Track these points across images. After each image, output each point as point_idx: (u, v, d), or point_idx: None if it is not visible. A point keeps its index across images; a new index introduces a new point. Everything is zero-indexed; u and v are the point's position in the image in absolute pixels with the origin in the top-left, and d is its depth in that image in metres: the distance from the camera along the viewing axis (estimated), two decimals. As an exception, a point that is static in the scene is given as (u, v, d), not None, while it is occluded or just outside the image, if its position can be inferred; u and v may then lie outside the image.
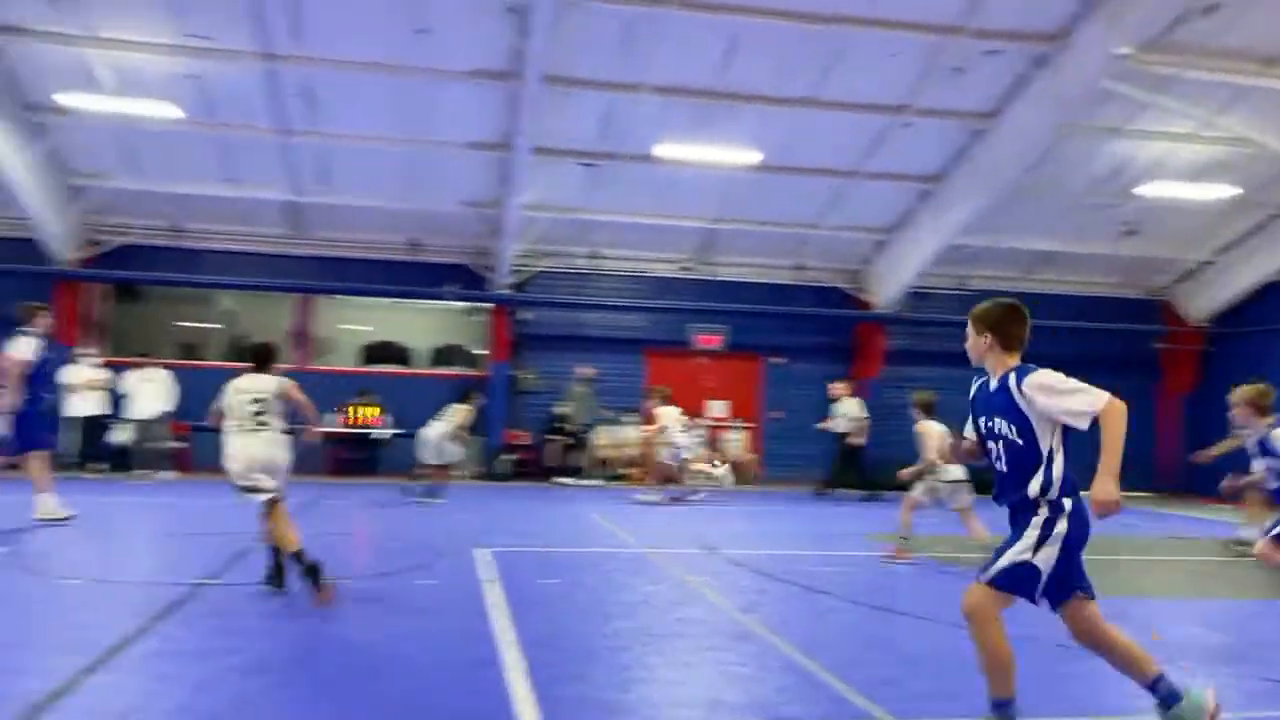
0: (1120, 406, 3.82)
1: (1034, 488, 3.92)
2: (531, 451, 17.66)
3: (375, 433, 16.88)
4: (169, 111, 14.03)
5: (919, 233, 17.29)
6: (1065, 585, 3.94)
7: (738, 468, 18.12)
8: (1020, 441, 3.95)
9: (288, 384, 6.88)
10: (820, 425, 16.30)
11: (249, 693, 4.46)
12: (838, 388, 16.61)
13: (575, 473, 17.05)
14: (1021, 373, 3.98)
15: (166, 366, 15.96)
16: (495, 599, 6.63)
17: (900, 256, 17.95)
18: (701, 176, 16.11)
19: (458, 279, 17.50)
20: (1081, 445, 3.96)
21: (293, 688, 4.52)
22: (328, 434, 16.82)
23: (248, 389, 6.78)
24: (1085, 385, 3.88)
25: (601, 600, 6.99)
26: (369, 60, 13.29)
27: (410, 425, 14.37)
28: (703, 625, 6.32)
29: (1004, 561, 3.90)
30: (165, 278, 17.32)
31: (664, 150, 15.14)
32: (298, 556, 6.43)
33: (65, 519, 9.43)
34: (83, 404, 15.09)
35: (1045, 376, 3.94)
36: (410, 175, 15.79)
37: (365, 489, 14.57)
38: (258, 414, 6.70)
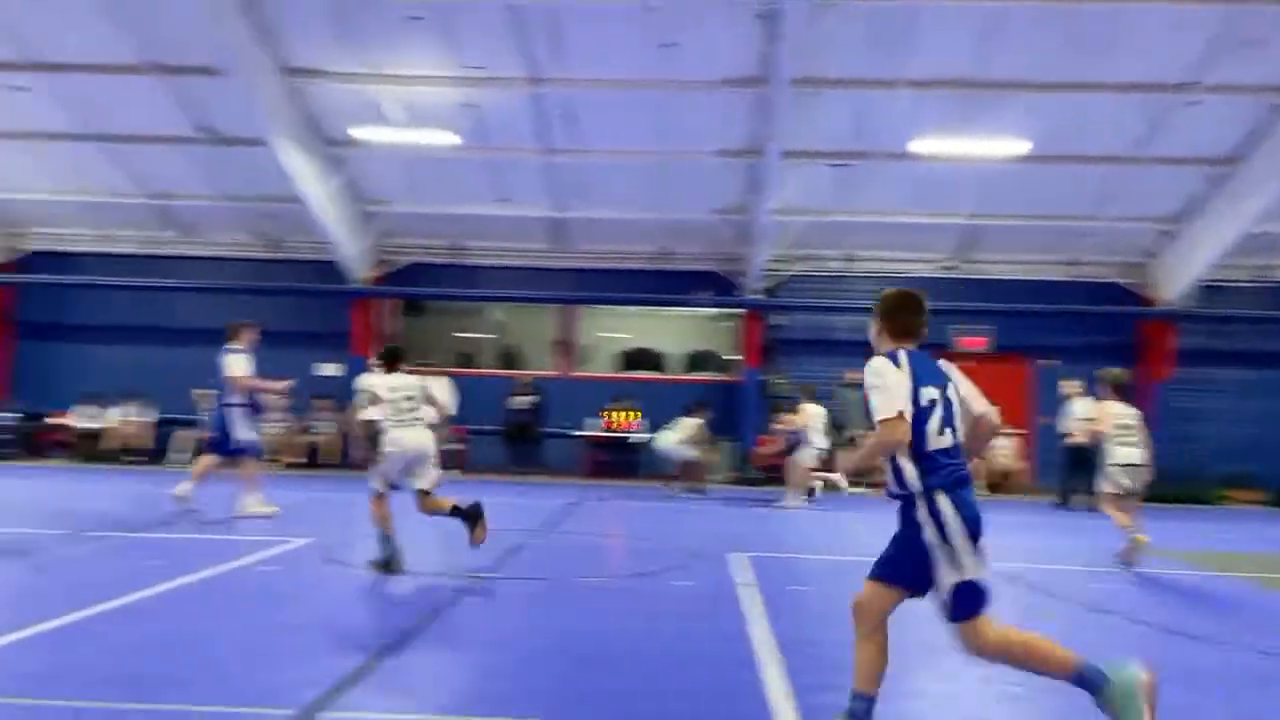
0: (886, 436, 3.72)
1: (905, 480, 3.74)
2: (784, 456, 17.55)
3: (633, 436, 17.44)
4: (448, 139, 15.21)
5: (1211, 221, 15.73)
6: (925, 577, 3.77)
7: (1007, 476, 17.20)
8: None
9: (427, 381, 7.61)
10: (1069, 441, 14.78)
11: (522, 683, 4.74)
12: (1069, 386, 15.03)
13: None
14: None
15: (447, 374, 17.21)
16: (751, 603, 6.67)
17: (1189, 247, 16.40)
18: (959, 171, 15.48)
19: (708, 285, 17.75)
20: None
21: (559, 679, 4.76)
22: (588, 437, 17.68)
23: (401, 386, 7.43)
24: (887, 390, 3.78)
25: (859, 609, 6.84)
26: (622, 77, 13.80)
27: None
28: (967, 640, 6.04)
29: (944, 593, 3.77)
30: (446, 293, 18.77)
31: (919, 146, 14.68)
32: (455, 509, 7.22)
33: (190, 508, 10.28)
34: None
35: (869, 369, 3.84)
36: (661, 186, 16.21)
37: (624, 490, 15.06)
38: (411, 409, 7.36)
